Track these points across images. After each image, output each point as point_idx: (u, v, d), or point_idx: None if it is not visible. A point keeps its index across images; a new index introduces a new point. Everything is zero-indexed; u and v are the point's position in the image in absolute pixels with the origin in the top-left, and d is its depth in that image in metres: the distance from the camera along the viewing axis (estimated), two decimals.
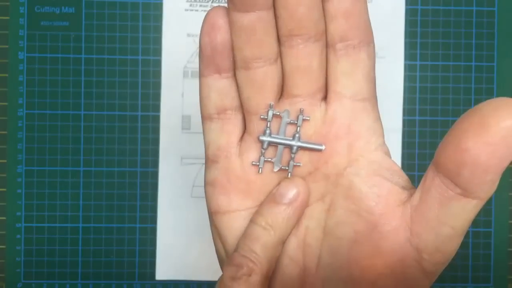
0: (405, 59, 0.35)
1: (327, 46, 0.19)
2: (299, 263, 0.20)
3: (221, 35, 0.19)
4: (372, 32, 0.19)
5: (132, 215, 0.35)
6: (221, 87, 0.19)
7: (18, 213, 0.35)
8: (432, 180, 0.17)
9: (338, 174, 0.19)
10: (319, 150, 0.19)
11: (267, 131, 0.19)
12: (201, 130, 0.21)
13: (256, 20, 0.18)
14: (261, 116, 0.19)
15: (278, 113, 0.19)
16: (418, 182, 0.18)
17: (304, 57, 0.19)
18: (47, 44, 0.35)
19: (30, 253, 0.35)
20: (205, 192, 0.21)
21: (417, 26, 0.35)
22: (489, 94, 0.35)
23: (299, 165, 0.20)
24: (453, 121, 0.39)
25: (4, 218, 0.35)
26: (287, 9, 0.18)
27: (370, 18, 0.19)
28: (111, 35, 0.35)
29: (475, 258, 0.35)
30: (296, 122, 0.19)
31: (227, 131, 0.20)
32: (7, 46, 0.35)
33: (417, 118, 0.35)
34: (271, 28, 0.18)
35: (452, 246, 0.17)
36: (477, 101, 0.36)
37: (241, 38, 0.18)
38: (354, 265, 0.19)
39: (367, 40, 0.19)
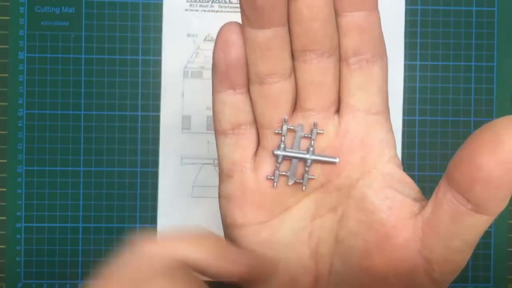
0: (405, 59, 0.35)
1: (341, 60, 0.19)
2: (312, 273, 0.20)
3: (236, 51, 0.19)
4: (385, 46, 0.19)
5: (132, 215, 0.35)
6: (235, 102, 0.19)
7: (18, 213, 0.35)
8: (444, 194, 0.17)
9: (351, 186, 0.19)
10: (333, 163, 0.19)
11: (282, 146, 0.20)
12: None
13: (271, 36, 0.18)
14: (276, 131, 0.20)
15: (292, 128, 0.20)
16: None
17: (317, 72, 0.19)
18: (47, 44, 0.35)
19: (30, 253, 0.35)
20: (220, 205, 0.21)
21: (417, 26, 0.35)
22: (489, 94, 0.36)
23: (313, 178, 0.20)
24: (453, 121, 0.39)
25: (4, 218, 0.35)
26: (302, 25, 0.18)
27: None
28: (111, 35, 0.35)
29: (475, 258, 0.35)
30: (310, 135, 0.20)
31: (242, 146, 0.20)
32: (7, 46, 0.35)
33: (417, 118, 0.35)
34: (286, 44, 0.18)
35: (462, 258, 0.18)
36: (477, 101, 0.36)
37: (255, 54, 0.18)
38: (365, 275, 0.19)
39: (381, 54, 0.19)
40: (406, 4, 0.35)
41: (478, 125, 0.35)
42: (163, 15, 0.35)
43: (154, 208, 0.35)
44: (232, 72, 0.19)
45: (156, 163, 0.35)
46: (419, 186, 0.18)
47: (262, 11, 0.17)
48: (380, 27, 0.19)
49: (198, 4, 0.35)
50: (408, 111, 0.35)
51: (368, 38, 0.18)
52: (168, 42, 0.35)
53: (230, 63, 0.19)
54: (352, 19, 0.18)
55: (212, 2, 0.36)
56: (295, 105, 0.20)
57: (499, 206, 0.16)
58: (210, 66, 0.25)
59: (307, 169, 0.20)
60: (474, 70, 0.36)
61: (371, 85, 0.19)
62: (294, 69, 0.19)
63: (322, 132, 0.19)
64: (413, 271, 0.18)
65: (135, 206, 0.35)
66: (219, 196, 0.21)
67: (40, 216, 0.35)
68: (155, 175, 0.35)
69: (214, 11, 0.36)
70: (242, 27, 0.18)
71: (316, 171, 0.20)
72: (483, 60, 0.36)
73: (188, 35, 0.35)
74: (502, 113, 0.35)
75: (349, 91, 0.19)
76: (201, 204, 0.36)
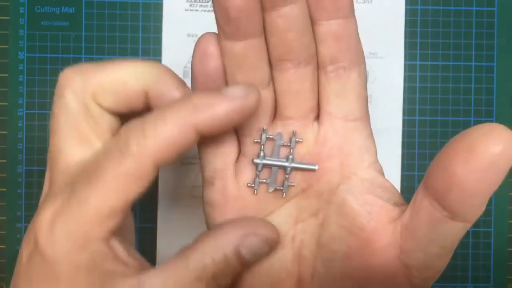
0: (405, 59, 0.35)
1: (318, 67, 0.19)
2: (295, 275, 0.20)
3: (213, 62, 0.19)
4: (363, 53, 0.19)
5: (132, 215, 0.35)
6: None
7: (18, 213, 0.35)
8: (421, 201, 0.17)
9: (331, 192, 0.20)
10: (313, 170, 0.20)
11: (261, 154, 0.20)
12: None
13: (247, 48, 0.18)
14: (255, 140, 0.20)
15: (271, 136, 0.20)
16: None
17: (295, 80, 0.19)
18: (47, 44, 0.35)
19: None
20: (204, 211, 0.21)
21: (417, 26, 0.35)
22: (489, 94, 0.36)
23: (293, 185, 0.20)
24: (453, 121, 0.39)
25: (4, 218, 0.35)
26: (277, 35, 0.18)
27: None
28: (111, 35, 0.35)
29: (475, 258, 0.35)
30: (289, 144, 0.20)
31: (223, 154, 0.20)
32: (7, 46, 0.35)
33: (417, 118, 0.35)
34: (263, 54, 0.18)
35: (441, 263, 0.18)
36: (477, 101, 0.36)
37: (233, 65, 0.18)
38: (346, 278, 0.19)
39: (358, 61, 0.19)
40: (406, 4, 0.35)
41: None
42: (163, 15, 0.35)
43: (154, 208, 0.35)
44: (211, 83, 0.19)
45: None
46: (418, 186, 0.18)
47: (237, 24, 0.17)
48: (357, 34, 0.19)
49: (198, 4, 0.35)
50: (408, 111, 0.35)
51: (345, 45, 0.18)
52: (168, 42, 0.35)
53: (208, 75, 0.19)
54: (328, 27, 0.18)
55: (212, 2, 0.36)
56: (275, 113, 0.20)
57: (475, 214, 0.16)
58: None
59: (287, 176, 0.20)
60: (474, 70, 0.36)
61: (348, 92, 0.19)
62: (272, 78, 0.19)
63: (301, 140, 0.20)
64: (392, 276, 0.18)
65: (135, 206, 0.35)
66: (203, 202, 0.21)
67: None
68: None
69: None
70: (219, 38, 0.18)
71: (297, 176, 0.20)
72: (483, 60, 0.36)
73: (188, 35, 0.35)
74: (502, 113, 0.35)
75: (327, 99, 0.19)
76: (201, 204, 0.35)
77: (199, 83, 0.19)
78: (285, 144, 0.20)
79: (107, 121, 0.19)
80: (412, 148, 0.35)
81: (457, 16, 0.36)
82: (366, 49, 0.36)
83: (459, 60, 0.36)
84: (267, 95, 0.19)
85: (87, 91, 0.18)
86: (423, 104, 0.36)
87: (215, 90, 0.18)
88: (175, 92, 0.19)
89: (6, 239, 0.35)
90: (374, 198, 0.19)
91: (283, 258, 0.20)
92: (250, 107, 0.17)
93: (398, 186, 0.35)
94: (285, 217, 0.20)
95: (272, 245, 0.19)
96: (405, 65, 0.35)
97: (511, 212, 0.35)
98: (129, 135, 0.17)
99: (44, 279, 0.17)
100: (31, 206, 0.35)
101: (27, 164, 0.35)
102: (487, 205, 0.37)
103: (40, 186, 0.35)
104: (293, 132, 0.20)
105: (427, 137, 0.35)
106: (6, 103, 0.35)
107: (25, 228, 0.35)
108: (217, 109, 0.17)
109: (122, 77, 0.19)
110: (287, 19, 0.18)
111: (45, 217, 0.17)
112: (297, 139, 0.20)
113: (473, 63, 0.36)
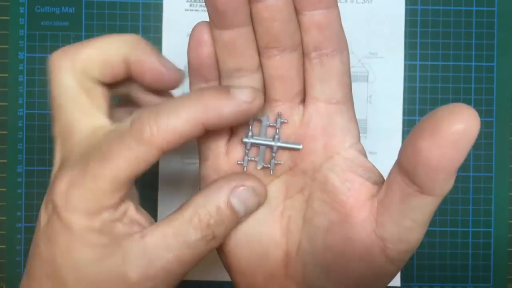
0: (405, 59, 0.35)
1: (303, 54, 0.21)
2: (283, 248, 0.22)
3: (207, 50, 0.20)
4: (345, 40, 0.21)
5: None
6: None
7: (18, 213, 0.35)
8: (394, 177, 0.18)
9: (315, 170, 0.21)
10: (297, 149, 0.21)
11: (250, 134, 0.21)
12: None
13: (236, 36, 0.20)
14: None
15: (259, 118, 0.21)
16: None
17: (281, 66, 0.20)
18: (47, 44, 0.35)
19: None
20: (199, 186, 0.23)
21: (417, 26, 0.35)
22: (489, 94, 0.36)
23: (280, 163, 0.22)
24: None
25: (4, 218, 0.35)
26: (263, 25, 0.19)
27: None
28: None
29: (475, 258, 0.35)
30: (275, 125, 0.21)
31: (216, 134, 0.22)
32: (7, 46, 0.35)
33: (417, 118, 0.36)
34: (251, 42, 0.20)
35: (414, 236, 0.19)
36: (477, 101, 0.36)
37: (223, 52, 0.20)
38: (328, 252, 0.20)
39: (340, 48, 0.20)
40: (406, 4, 0.35)
41: None
42: (163, 15, 0.35)
43: (154, 208, 0.35)
44: (205, 69, 0.21)
45: (156, 163, 0.35)
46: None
47: (225, 14, 0.19)
48: (340, 23, 0.20)
49: (198, 4, 0.35)
50: (408, 111, 0.35)
51: (328, 34, 0.20)
52: (168, 42, 0.35)
53: (202, 61, 0.21)
54: (311, 17, 0.19)
55: None
56: (264, 97, 0.21)
57: (442, 188, 0.17)
58: None
59: (273, 155, 0.21)
60: (474, 70, 0.36)
61: (331, 78, 0.20)
62: (261, 65, 0.21)
63: (286, 121, 0.21)
64: (369, 249, 0.19)
65: None
66: (199, 177, 0.23)
67: None
68: (155, 175, 0.35)
69: None
70: (211, 27, 0.20)
71: (284, 156, 0.22)
72: (483, 60, 0.36)
73: (188, 35, 0.35)
74: (502, 113, 0.35)
75: (311, 83, 0.21)
76: None
77: (194, 69, 0.21)
78: (271, 124, 0.21)
79: (100, 92, 0.21)
80: None
81: (457, 16, 0.36)
82: (366, 49, 0.37)
83: (459, 60, 0.36)
84: (255, 79, 0.21)
85: (77, 67, 0.20)
86: (423, 104, 0.36)
87: (225, 89, 0.19)
88: (151, 57, 0.21)
89: (6, 239, 0.35)
90: (354, 176, 0.20)
91: (271, 231, 0.22)
92: (254, 110, 0.20)
93: None
94: (274, 192, 0.22)
95: (259, 197, 0.21)
96: (405, 65, 0.35)
97: (511, 212, 0.35)
98: (144, 123, 0.19)
99: (60, 237, 0.19)
100: (31, 206, 0.35)
101: (27, 164, 0.35)
102: (487, 205, 0.38)
103: (40, 186, 0.35)
104: (278, 114, 0.21)
105: None
106: (6, 103, 0.35)
107: (25, 228, 0.35)
108: (225, 110, 0.19)
109: (104, 50, 0.21)
110: (272, 9, 0.19)
111: (62, 184, 0.19)
112: (282, 120, 0.21)
113: (473, 63, 0.36)
